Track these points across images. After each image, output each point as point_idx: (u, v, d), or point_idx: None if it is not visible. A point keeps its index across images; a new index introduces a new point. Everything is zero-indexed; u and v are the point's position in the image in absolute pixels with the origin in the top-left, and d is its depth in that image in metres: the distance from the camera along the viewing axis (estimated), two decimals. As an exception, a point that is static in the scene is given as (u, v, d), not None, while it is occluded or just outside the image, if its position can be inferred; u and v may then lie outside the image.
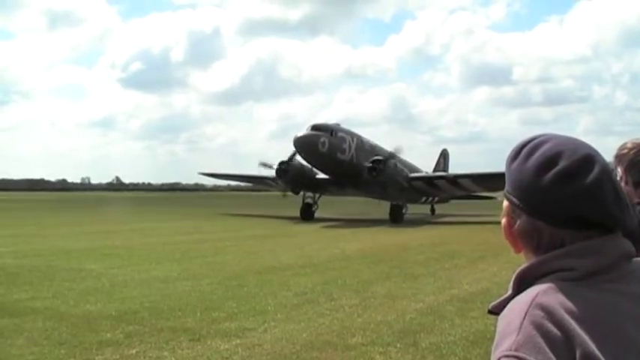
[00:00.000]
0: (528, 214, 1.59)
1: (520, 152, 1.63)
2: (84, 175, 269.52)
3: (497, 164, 36.42)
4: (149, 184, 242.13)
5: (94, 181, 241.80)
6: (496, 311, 1.57)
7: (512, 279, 1.59)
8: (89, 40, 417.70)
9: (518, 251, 1.68)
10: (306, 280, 14.64)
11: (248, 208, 41.14)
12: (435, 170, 54.57)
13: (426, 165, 52.93)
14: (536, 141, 1.63)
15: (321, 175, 41.83)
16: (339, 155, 39.15)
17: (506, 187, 1.66)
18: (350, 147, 39.93)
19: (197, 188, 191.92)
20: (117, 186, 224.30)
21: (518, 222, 1.63)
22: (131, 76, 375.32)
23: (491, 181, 39.23)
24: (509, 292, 1.58)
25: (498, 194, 49.93)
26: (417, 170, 46.17)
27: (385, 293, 13.07)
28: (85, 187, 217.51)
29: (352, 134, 41.22)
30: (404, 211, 40.72)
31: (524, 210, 1.60)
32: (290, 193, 42.33)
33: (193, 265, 17.29)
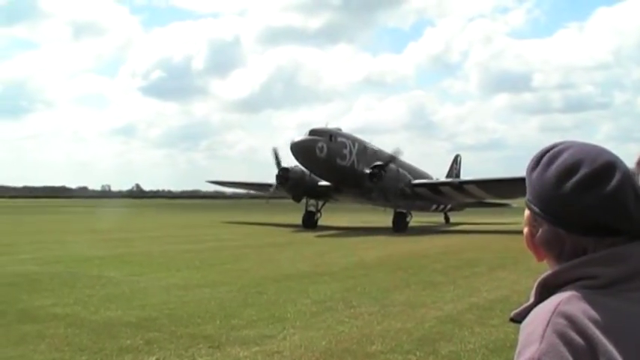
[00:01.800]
0: (550, 223, 1.59)
1: (540, 161, 1.63)
2: (104, 183, 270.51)
3: (516, 171, 35.50)
4: (169, 191, 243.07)
5: (114, 188, 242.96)
6: (518, 319, 1.57)
7: (535, 287, 1.59)
8: (112, 50, 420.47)
9: (540, 260, 1.68)
10: (325, 288, 14.63)
11: (266, 216, 41.00)
12: (448, 176, 53.15)
13: (441, 173, 52.51)
14: (556, 149, 1.63)
15: (323, 182, 40.59)
16: (338, 161, 37.80)
17: (527, 195, 1.66)
18: (351, 152, 38.55)
19: (216, 196, 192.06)
20: (137, 193, 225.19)
21: (540, 231, 1.63)
22: (152, 84, 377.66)
23: (497, 186, 38.61)
24: (532, 299, 1.58)
25: (512, 201, 49.58)
26: (425, 176, 44.83)
27: (404, 301, 13.03)
28: (106, 194, 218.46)
29: (354, 139, 39.90)
30: (408, 219, 39.23)
31: (545, 219, 1.60)
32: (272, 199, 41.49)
33: (212, 273, 17.33)
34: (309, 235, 33.53)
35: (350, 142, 39.02)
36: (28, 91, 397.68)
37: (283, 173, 39.70)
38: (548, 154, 1.63)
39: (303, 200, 41.65)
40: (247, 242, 28.60)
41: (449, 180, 42.19)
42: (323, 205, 42.88)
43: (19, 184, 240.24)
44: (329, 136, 37.81)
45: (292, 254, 22.96)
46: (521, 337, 1.46)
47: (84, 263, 19.29)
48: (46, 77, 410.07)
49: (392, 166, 37.95)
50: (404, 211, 38.99)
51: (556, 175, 1.57)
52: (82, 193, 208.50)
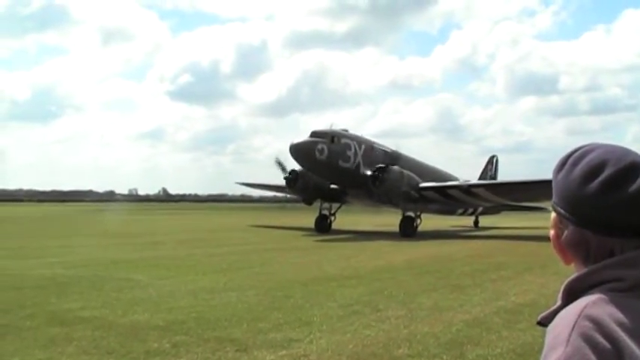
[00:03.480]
0: (575, 225, 1.59)
1: (565, 163, 1.63)
2: (131, 187, 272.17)
3: (543, 174, 34.39)
4: (196, 195, 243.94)
5: (141, 192, 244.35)
6: (545, 323, 1.56)
7: (561, 290, 1.58)
8: (140, 55, 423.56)
9: (567, 263, 1.67)
10: (351, 292, 14.62)
11: (293, 219, 40.92)
12: (481, 178, 51.19)
13: (472, 175, 51.31)
14: (581, 151, 1.63)
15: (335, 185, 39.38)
16: (341, 163, 36.54)
17: (553, 198, 1.66)
18: (355, 154, 37.19)
19: (243, 199, 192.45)
20: (163, 197, 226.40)
21: (565, 232, 1.62)
22: (179, 88, 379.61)
23: (507, 189, 37.86)
24: (558, 303, 1.57)
25: (547, 204, 48.90)
26: (448, 179, 42.73)
27: (431, 305, 12.98)
28: (133, 197, 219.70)
29: (360, 140, 38.45)
30: (416, 223, 37.15)
31: (571, 220, 1.59)
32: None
33: (239, 276, 17.38)
34: (336, 238, 33.49)
35: (355, 143, 37.82)
36: (57, 96, 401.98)
37: (291, 176, 39.16)
38: (573, 156, 1.63)
39: (311, 204, 40.90)
40: (274, 245, 28.66)
41: (457, 183, 39.96)
42: (338, 208, 42.03)
43: (48, 187, 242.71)
44: (331, 137, 36.77)
45: (319, 257, 22.96)
46: (547, 341, 1.45)
47: (111, 266, 19.44)
48: (74, 82, 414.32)
49: (394, 168, 36.54)
50: (412, 215, 37.40)
51: (581, 176, 1.57)
52: (109, 197, 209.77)
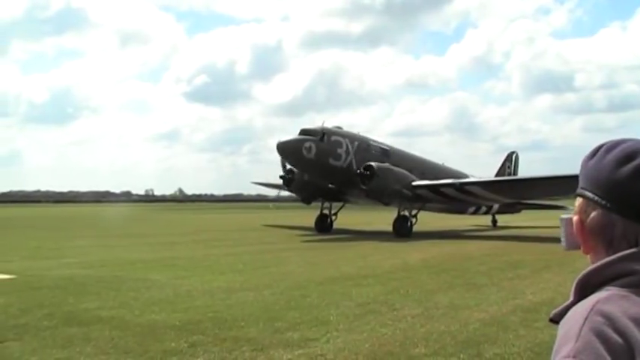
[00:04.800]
0: (604, 208, 1.60)
1: (598, 151, 1.66)
2: (148, 187, 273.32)
3: (560, 172, 34.15)
4: (212, 195, 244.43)
5: (157, 192, 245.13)
6: (557, 319, 1.56)
7: (574, 285, 1.58)
8: (157, 57, 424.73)
9: (586, 251, 1.67)
10: (368, 291, 14.61)
11: (308, 219, 40.73)
12: (498, 175, 49.13)
13: (489, 174, 50.13)
14: (614, 141, 1.66)
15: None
16: (331, 161, 35.35)
17: (581, 184, 1.67)
18: (347, 152, 35.92)
19: (259, 199, 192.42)
20: (180, 197, 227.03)
21: (591, 217, 1.63)
22: (195, 89, 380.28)
23: (505, 187, 37.05)
24: (571, 298, 1.57)
25: (562, 202, 48.36)
26: (457, 175, 41.08)
27: (448, 303, 12.96)
28: (149, 198, 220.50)
29: (353, 138, 37.25)
30: (410, 223, 35.58)
31: (599, 204, 1.60)
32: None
33: (256, 276, 17.41)
34: (352, 237, 33.46)
35: (347, 140, 36.55)
36: (73, 99, 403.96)
37: (288, 174, 38.35)
38: (606, 146, 1.66)
39: (310, 203, 40.28)
40: (290, 245, 28.68)
41: (450, 181, 37.93)
42: (341, 207, 41.02)
43: (65, 189, 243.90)
44: (320, 135, 35.60)
45: (335, 257, 22.95)
46: (559, 336, 1.46)
47: (128, 267, 19.55)
48: (91, 85, 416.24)
49: (384, 166, 35.30)
50: (406, 214, 35.86)
51: (615, 161, 1.59)
52: (126, 198, 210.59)
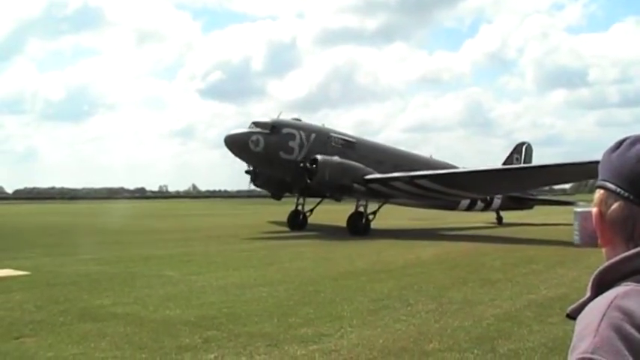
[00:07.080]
0: (626, 200, 1.58)
1: (622, 143, 1.65)
2: (162, 184, 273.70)
3: None
4: (225, 191, 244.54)
5: (171, 189, 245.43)
6: (574, 315, 1.55)
7: (590, 281, 1.57)
8: (172, 54, 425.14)
9: (605, 244, 1.66)
10: (382, 286, 14.61)
11: (321, 214, 40.44)
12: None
13: None
14: (638, 135, 1.65)
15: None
16: (282, 155, 33.40)
17: (601, 176, 1.66)
18: (302, 144, 33.92)
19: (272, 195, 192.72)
20: (194, 194, 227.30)
21: (613, 207, 1.62)
22: (210, 86, 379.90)
23: (452, 180, 33.89)
24: (588, 294, 1.56)
25: (576, 198, 47.64)
26: (443, 167, 38.08)
27: (462, 299, 12.95)
28: (163, 194, 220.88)
29: (311, 130, 35.14)
30: (366, 219, 33.54)
31: (621, 196, 1.59)
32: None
33: (270, 272, 17.44)
34: (366, 234, 33.30)
35: (302, 132, 34.49)
36: (91, 96, 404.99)
37: (252, 170, 37.09)
38: (630, 139, 1.65)
39: (280, 199, 39.43)
40: (303, 240, 28.61)
41: (400, 174, 34.32)
42: (319, 202, 38.78)
43: (80, 185, 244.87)
44: (270, 127, 33.73)
45: (349, 252, 22.93)
46: (576, 331, 1.44)
47: (142, 263, 19.61)
48: (107, 82, 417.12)
49: (330, 159, 32.82)
50: (361, 210, 33.95)
51: (639, 154, 1.59)
52: (140, 194, 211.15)
